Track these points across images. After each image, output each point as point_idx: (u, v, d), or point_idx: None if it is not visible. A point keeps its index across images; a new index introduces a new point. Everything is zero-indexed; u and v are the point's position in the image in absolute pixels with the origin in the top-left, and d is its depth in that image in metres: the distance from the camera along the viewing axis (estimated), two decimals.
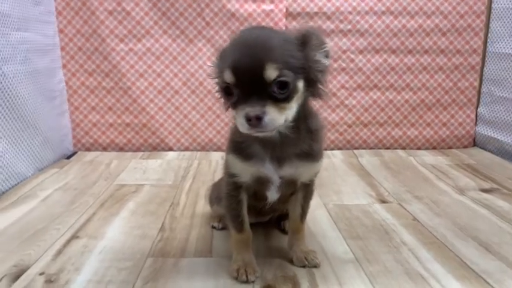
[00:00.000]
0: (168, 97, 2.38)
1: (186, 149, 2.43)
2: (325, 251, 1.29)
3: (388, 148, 2.48)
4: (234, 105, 0.93)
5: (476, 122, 2.49)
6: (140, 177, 1.99)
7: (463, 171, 2.08)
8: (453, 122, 2.48)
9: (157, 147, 2.42)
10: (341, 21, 2.32)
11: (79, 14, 2.25)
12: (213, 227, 1.44)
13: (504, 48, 2.29)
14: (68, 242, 1.34)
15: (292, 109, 0.94)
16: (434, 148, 2.49)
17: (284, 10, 2.29)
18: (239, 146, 1.07)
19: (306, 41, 0.96)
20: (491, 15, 2.35)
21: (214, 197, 1.43)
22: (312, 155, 1.08)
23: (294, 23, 2.31)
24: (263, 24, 2.28)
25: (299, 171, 1.09)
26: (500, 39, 2.31)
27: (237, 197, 1.13)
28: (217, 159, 2.28)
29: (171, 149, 2.42)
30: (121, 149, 2.41)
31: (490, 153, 2.37)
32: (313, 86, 0.98)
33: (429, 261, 1.22)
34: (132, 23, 2.28)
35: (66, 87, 2.32)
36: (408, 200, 1.71)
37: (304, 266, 1.18)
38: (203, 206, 1.63)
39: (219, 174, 2.01)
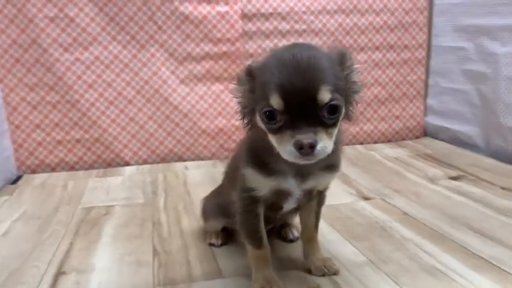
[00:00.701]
0: (121, 108, 2.21)
1: (145, 162, 2.28)
2: (335, 255, 1.26)
3: (347, 144, 2.51)
4: (277, 131, 0.85)
5: (425, 113, 2.61)
6: (106, 197, 1.82)
7: (425, 161, 2.16)
8: (405, 114, 2.57)
9: (112, 162, 2.25)
10: (296, 22, 2.31)
11: (14, 22, 2.02)
12: (211, 244, 1.34)
13: (447, 41, 2.42)
14: (55, 280, 1.17)
15: (336, 134, 0.88)
16: (389, 141, 2.57)
17: (239, 11, 2.23)
18: (259, 161, 0.99)
19: (343, 61, 0.91)
20: (434, 11, 2.47)
21: (209, 211, 1.34)
22: (334, 166, 1.04)
23: (250, 25, 2.26)
24: (219, 26, 2.21)
25: (320, 181, 1.05)
26: (443, 34, 2.44)
27: (254, 211, 1.06)
28: (182, 171, 2.16)
29: (127, 164, 2.26)
30: (72, 168, 2.20)
31: (442, 141, 2.49)
32: (347, 107, 0.93)
33: (439, 255, 1.24)
34: (77, 31, 2.09)
35: (5, 104, 2.07)
36: (389, 194, 1.74)
37: (323, 275, 1.14)
38: (189, 223, 1.53)
39: (191, 187, 1.92)
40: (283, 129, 0.84)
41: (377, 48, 2.44)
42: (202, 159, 2.33)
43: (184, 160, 2.31)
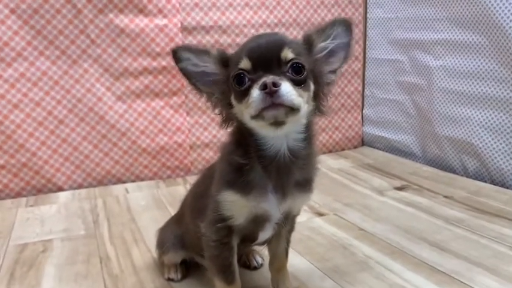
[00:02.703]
0: (52, 128, 2.03)
1: (80, 186, 2.11)
2: (302, 281, 1.23)
3: None
4: (245, 92, 0.85)
5: (363, 123, 2.68)
6: (41, 230, 1.65)
7: (368, 171, 2.21)
8: (344, 125, 2.63)
9: (44, 188, 2.05)
10: (237, 35, 2.26)
11: None
12: (170, 280, 1.25)
13: (381, 54, 2.50)
14: None
15: (305, 100, 0.86)
16: (330, 151, 2.60)
17: (179, 25, 2.14)
18: (236, 177, 0.93)
19: (311, 44, 0.92)
20: (368, 24, 2.55)
21: (167, 242, 1.24)
22: (309, 185, 1.00)
23: (190, 38, 2.18)
24: (157, 39, 2.10)
25: (297, 203, 1.01)
26: (377, 46, 2.52)
27: (229, 244, 0.99)
28: (123, 194, 2.02)
29: (61, 189, 2.07)
30: None
31: (379, 150, 2.57)
32: (318, 99, 0.92)
33: (403, 272, 1.24)
34: None
35: None
36: (341, 209, 1.75)
37: None
38: (141, 255, 1.42)
39: (135, 212, 1.80)
40: (252, 87, 0.84)
41: None
42: (143, 179, 2.20)
43: (124, 182, 2.16)
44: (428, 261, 1.30)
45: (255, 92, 0.81)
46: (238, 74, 0.85)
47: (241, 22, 2.26)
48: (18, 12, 1.89)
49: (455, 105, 2.08)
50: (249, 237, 1.03)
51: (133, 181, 2.18)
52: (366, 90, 2.64)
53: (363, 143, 2.70)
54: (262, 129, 0.87)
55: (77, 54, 2.02)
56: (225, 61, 0.92)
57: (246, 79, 0.84)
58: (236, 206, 0.95)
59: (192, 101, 2.24)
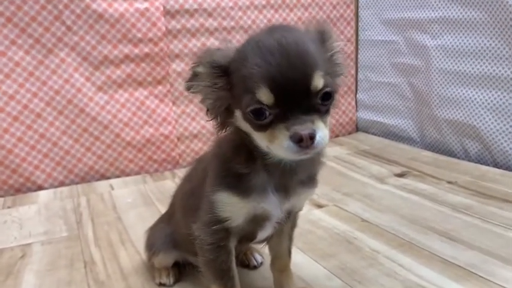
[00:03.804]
0: (28, 123, 1.89)
1: (61, 184, 1.97)
2: (307, 281, 1.13)
3: None
4: (266, 127, 0.72)
5: (356, 108, 2.58)
6: (19, 234, 1.52)
7: (366, 158, 2.12)
8: (337, 110, 2.52)
9: (22, 188, 1.91)
10: (223, 18, 2.14)
11: None
12: (162, 285, 1.14)
13: (374, 35, 2.40)
14: None
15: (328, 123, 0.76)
16: None
17: (161, 8, 2.00)
18: (235, 178, 0.82)
19: (324, 40, 0.78)
20: (359, 4, 2.44)
21: (157, 243, 1.13)
22: (314, 180, 0.91)
23: (174, 22, 2.05)
24: (139, 24, 1.97)
25: (301, 198, 0.91)
26: (370, 27, 2.41)
27: (226, 247, 0.88)
28: (108, 191, 1.89)
29: (41, 188, 1.94)
30: None
31: (374, 136, 2.48)
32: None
33: (415, 267, 1.15)
34: None
35: None
36: (341, 199, 1.65)
37: None
38: (129, 257, 1.31)
39: (121, 211, 1.68)
40: (275, 123, 0.72)
41: None
42: (128, 174, 2.08)
43: (108, 178, 2.04)
44: (440, 253, 1.21)
45: (286, 142, 0.70)
46: (256, 109, 0.71)
47: (228, 4, 2.14)
48: None
49: (454, 86, 1.99)
50: (246, 237, 0.92)
51: (118, 176, 2.06)
52: (359, 73, 2.54)
53: (357, 128, 2.61)
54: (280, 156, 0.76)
55: (52, 43, 1.87)
56: (223, 68, 0.76)
57: (267, 113, 0.71)
58: (234, 208, 0.84)
59: (178, 90, 2.12)
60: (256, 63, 0.71)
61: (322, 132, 0.71)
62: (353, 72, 2.52)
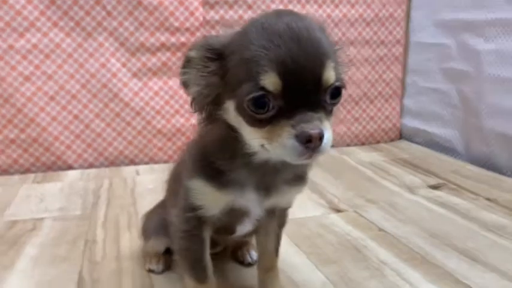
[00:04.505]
0: (64, 104, 1.95)
1: (91, 165, 2.02)
2: (299, 285, 1.05)
3: None
4: (266, 123, 0.64)
5: (401, 114, 2.43)
6: (37, 208, 1.56)
7: (402, 166, 1.98)
8: (380, 115, 2.39)
9: (53, 166, 1.98)
10: (263, 11, 2.08)
11: None
12: (151, 271, 1.11)
13: (426, 37, 2.25)
14: None
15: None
16: (363, 144, 2.38)
17: None
18: (212, 169, 0.77)
19: (327, 35, 0.71)
20: (412, 4, 2.30)
21: (150, 228, 1.11)
22: (303, 178, 0.84)
23: (212, 13, 2.03)
24: (177, 13, 1.97)
25: (285, 197, 0.84)
26: (422, 29, 2.26)
27: (199, 236, 0.84)
28: (132, 176, 1.91)
29: (71, 167, 1.99)
30: (5, 172, 1.92)
31: (418, 145, 2.32)
32: None
33: (422, 283, 1.05)
34: (11, 14, 1.81)
35: None
36: (363, 205, 1.54)
37: None
38: (130, 241, 1.29)
39: (139, 195, 1.68)
40: (277, 118, 0.63)
41: (351, 43, 2.24)
42: (156, 162, 2.08)
43: (136, 164, 2.06)
44: (454, 272, 1.09)
45: (290, 141, 0.62)
46: (259, 97, 0.63)
47: None
48: None
49: (507, 96, 1.80)
50: (224, 229, 0.87)
51: (146, 163, 2.07)
52: (406, 77, 2.39)
53: (401, 136, 2.45)
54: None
55: (91, 27, 1.92)
56: (217, 52, 0.69)
57: (271, 104, 0.63)
58: (208, 197, 0.79)
59: None
60: (262, 45, 0.63)
61: (328, 133, 0.63)
62: (400, 75, 2.38)
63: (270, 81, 0.61)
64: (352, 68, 2.29)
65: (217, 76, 0.69)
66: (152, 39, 1.98)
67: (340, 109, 2.31)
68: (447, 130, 2.14)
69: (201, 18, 2.00)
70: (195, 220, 0.82)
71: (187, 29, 1.99)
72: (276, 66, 0.61)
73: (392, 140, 2.43)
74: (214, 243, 0.99)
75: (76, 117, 1.97)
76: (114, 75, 1.97)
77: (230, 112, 0.69)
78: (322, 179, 1.82)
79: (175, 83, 2.05)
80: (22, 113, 1.89)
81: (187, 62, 0.71)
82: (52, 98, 1.93)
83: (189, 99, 0.74)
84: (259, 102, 0.63)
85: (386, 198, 1.61)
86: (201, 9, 2.00)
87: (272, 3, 2.09)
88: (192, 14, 1.98)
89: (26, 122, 1.90)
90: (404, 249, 1.22)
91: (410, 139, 2.39)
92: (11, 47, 1.83)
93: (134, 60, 1.99)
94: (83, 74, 1.95)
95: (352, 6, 2.21)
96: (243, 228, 0.86)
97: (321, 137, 0.61)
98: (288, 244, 1.26)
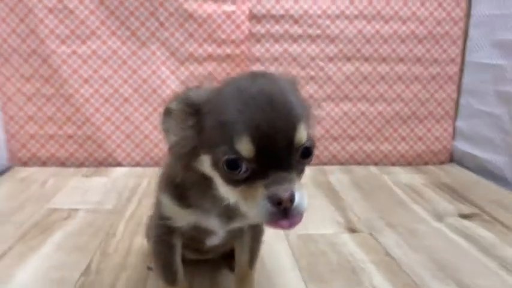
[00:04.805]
0: (117, 106, 2.12)
1: (137, 164, 2.17)
2: None
3: (359, 164, 2.28)
4: (240, 183, 0.68)
5: (454, 137, 2.32)
6: (77, 199, 1.72)
7: (440, 191, 1.89)
8: (429, 136, 2.30)
9: (104, 162, 2.16)
10: (309, 26, 2.11)
11: (15, 11, 1.98)
12: (149, 269, 1.19)
13: (482, 57, 2.12)
14: None
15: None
16: (409, 164, 2.30)
17: (247, 12, 2.06)
18: (179, 192, 0.83)
19: (297, 91, 0.76)
20: (470, 22, 2.18)
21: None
22: None
23: (259, 27, 2.09)
24: (224, 26, 2.06)
25: (249, 221, 0.87)
26: (480, 48, 2.14)
27: (169, 242, 0.91)
28: None
29: (119, 164, 2.16)
30: (62, 164, 2.14)
31: (468, 170, 2.19)
32: None
33: None
34: (76, 23, 2.02)
35: (0, 94, 2.04)
36: (380, 228, 1.51)
37: None
38: (143, 238, 1.39)
39: None
40: (250, 180, 0.66)
41: (401, 60, 2.19)
42: None
43: None
44: None
45: (262, 203, 0.65)
46: (233, 160, 0.65)
47: (316, 12, 2.10)
48: None
49: None
50: (195, 240, 0.93)
51: None
52: (461, 98, 2.27)
53: (452, 159, 2.33)
54: None
55: (146, 36, 2.07)
56: (195, 107, 0.72)
57: (244, 167, 0.66)
58: (174, 211, 0.86)
59: None
60: (237, 109, 0.65)
61: (300, 193, 0.65)
62: (454, 96, 2.27)
63: (244, 147, 0.64)
64: (401, 86, 2.23)
65: (194, 130, 0.72)
66: (200, 50, 2.09)
67: (386, 127, 2.26)
68: (498, 156, 2.00)
69: (246, 32, 2.08)
70: (165, 228, 0.89)
71: (232, 41, 2.08)
72: (249, 132, 0.64)
73: (442, 163, 2.32)
74: (204, 251, 1.05)
75: (127, 118, 2.14)
76: (164, 82, 2.11)
77: (206, 165, 0.72)
78: (351, 197, 1.81)
79: None
80: (80, 112, 2.09)
81: (168, 113, 0.75)
82: (107, 100, 2.11)
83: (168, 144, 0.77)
84: (234, 164, 0.66)
85: (408, 223, 1.56)
86: (247, 22, 2.07)
87: (318, 18, 2.11)
88: (238, 27, 2.06)
89: (83, 120, 2.10)
90: (402, 277, 1.19)
91: (461, 163, 2.27)
92: (74, 52, 2.04)
93: (183, 68, 2.11)
94: (135, 80, 2.11)
95: (404, 22, 2.15)
96: (212, 241, 0.91)
97: (291, 199, 0.64)
98: (287, 257, 1.28)
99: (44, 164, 2.13)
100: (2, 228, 1.44)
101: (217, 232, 0.87)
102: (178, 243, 0.91)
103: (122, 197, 1.76)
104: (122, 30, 2.06)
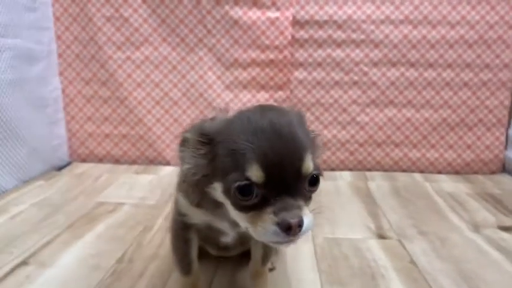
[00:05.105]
0: (167, 108, 2.25)
1: None
2: None
3: (404, 171, 2.25)
4: (250, 208, 0.73)
5: (506, 146, 2.21)
6: (124, 194, 1.86)
7: (484, 202, 1.83)
8: (479, 144, 2.21)
9: (154, 160, 2.30)
10: (353, 31, 2.12)
11: (77, 20, 2.17)
12: None
13: None
14: (13, 269, 1.21)
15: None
16: (456, 173, 2.23)
17: (290, 18, 2.11)
18: (193, 195, 0.89)
19: (304, 123, 0.81)
20: None
21: None
22: None
23: (302, 32, 2.14)
24: (268, 32, 2.12)
25: None
26: None
27: (185, 237, 0.98)
28: None
29: (168, 164, 2.29)
30: (116, 161, 2.31)
31: None
32: None
33: None
34: (130, 30, 2.17)
35: (63, 96, 2.25)
36: (411, 236, 1.50)
37: None
38: None
39: None
40: (260, 206, 0.71)
41: (449, 65, 2.13)
42: None
43: None
44: None
45: (271, 228, 0.69)
46: (245, 186, 0.70)
47: (360, 17, 2.11)
48: (148, 2, 2.14)
49: None
50: (210, 238, 1.00)
51: None
52: None
53: (504, 169, 2.23)
54: None
55: (194, 43, 2.19)
56: (207, 138, 0.77)
57: (255, 193, 0.71)
58: (189, 209, 0.93)
59: (297, 97, 2.20)
60: (248, 139, 0.71)
61: (307, 219, 0.71)
62: (507, 103, 2.17)
63: (254, 173, 0.69)
64: (449, 92, 2.17)
65: (206, 159, 0.77)
66: (245, 56, 2.17)
67: (432, 134, 2.21)
68: None
69: (289, 37, 2.12)
70: (182, 223, 0.96)
71: (276, 47, 2.13)
72: (259, 160, 0.69)
73: (493, 173, 2.23)
74: (225, 249, 1.12)
75: (176, 120, 2.26)
76: (210, 86, 2.21)
77: (218, 192, 0.78)
78: (388, 203, 1.80)
79: (262, 96, 2.21)
80: (133, 113, 2.25)
81: (184, 142, 0.81)
82: (158, 103, 2.25)
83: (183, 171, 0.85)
84: (245, 190, 0.71)
85: (441, 232, 1.53)
86: (290, 28, 2.12)
87: (363, 23, 2.11)
88: (281, 33, 2.12)
89: (136, 121, 2.26)
90: (422, 285, 1.18)
91: None
92: (128, 58, 2.20)
93: (228, 74, 2.20)
94: (184, 84, 2.23)
95: (452, 27, 2.09)
96: (226, 239, 0.98)
97: (300, 225, 0.69)
98: (310, 258, 1.32)
99: (100, 160, 2.31)
100: (55, 217, 1.59)
101: (228, 233, 0.93)
102: (194, 238, 0.99)
103: (164, 194, 1.88)
104: (172, 37, 2.19)
